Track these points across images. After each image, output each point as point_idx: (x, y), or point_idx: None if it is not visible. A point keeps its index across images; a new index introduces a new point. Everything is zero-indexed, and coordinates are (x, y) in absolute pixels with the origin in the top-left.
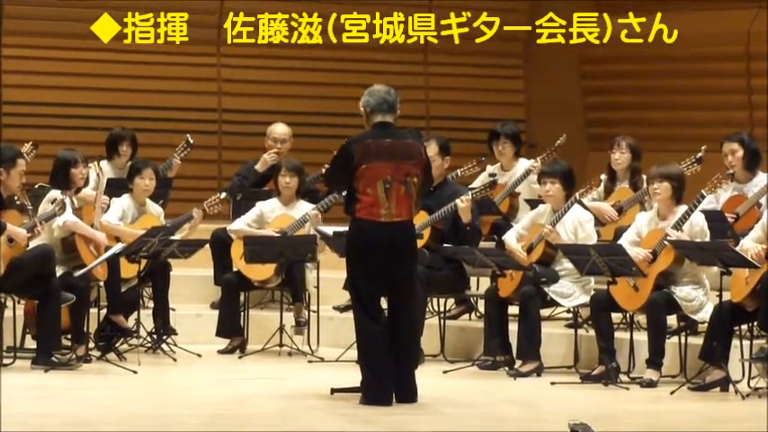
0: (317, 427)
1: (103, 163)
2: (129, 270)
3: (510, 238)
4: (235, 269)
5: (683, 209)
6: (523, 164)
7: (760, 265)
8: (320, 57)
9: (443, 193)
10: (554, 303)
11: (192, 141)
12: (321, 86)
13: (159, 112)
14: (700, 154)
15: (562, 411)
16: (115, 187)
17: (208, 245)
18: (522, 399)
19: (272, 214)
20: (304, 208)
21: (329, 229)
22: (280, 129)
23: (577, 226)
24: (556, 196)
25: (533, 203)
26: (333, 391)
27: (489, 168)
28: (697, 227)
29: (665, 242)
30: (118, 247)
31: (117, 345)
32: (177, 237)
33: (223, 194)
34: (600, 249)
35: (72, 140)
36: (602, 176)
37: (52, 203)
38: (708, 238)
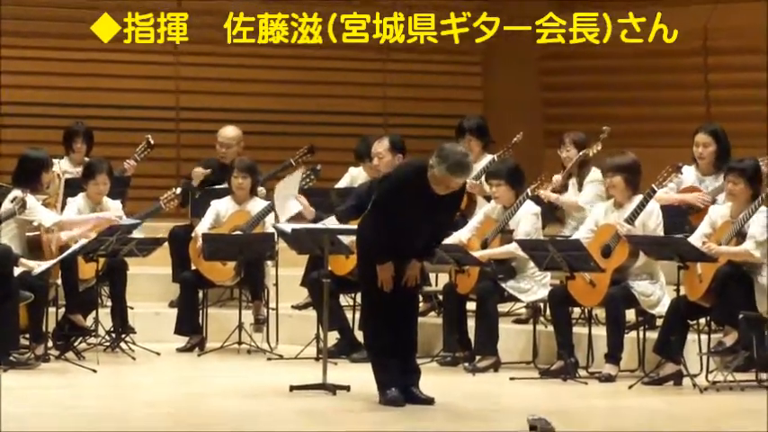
0: (276, 425)
1: (63, 161)
2: (86, 271)
3: (463, 237)
4: (193, 268)
5: (639, 197)
6: (489, 159)
7: (716, 259)
8: (280, 54)
9: None
10: (512, 299)
11: (152, 142)
12: (279, 84)
13: (117, 110)
14: (603, 135)
15: (521, 406)
16: (71, 187)
17: (166, 242)
18: (481, 394)
19: (227, 213)
20: (259, 205)
21: (287, 226)
22: (225, 132)
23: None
24: (503, 197)
25: (490, 199)
26: (292, 388)
27: None
28: (650, 214)
29: (621, 237)
30: (77, 246)
31: (75, 344)
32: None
33: (178, 189)
34: (558, 244)
35: (29, 139)
36: (556, 176)
37: (12, 201)
38: (661, 225)
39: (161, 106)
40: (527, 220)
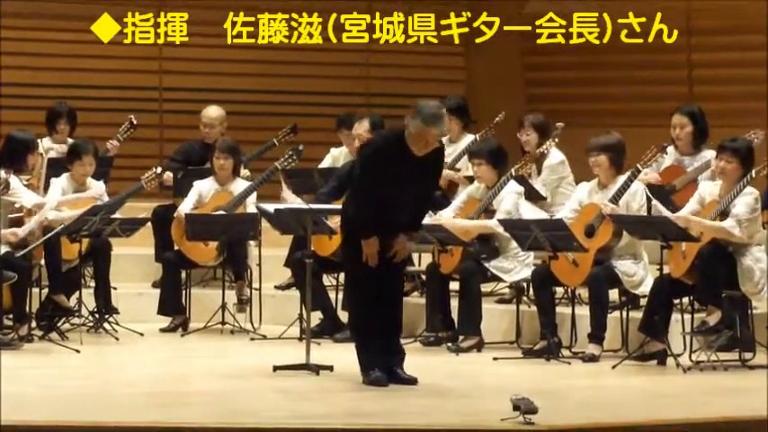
0: (259, 405)
1: (46, 140)
2: (70, 251)
3: (447, 216)
4: (176, 248)
5: (623, 178)
6: (470, 139)
7: (699, 239)
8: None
9: None
10: (495, 278)
11: (135, 122)
12: (262, 64)
13: (100, 90)
14: (557, 131)
15: (504, 386)
16: (55, 167)
17: (149, 223)
18: (465, 374)
19: (209, 193)
20: (241, 186)
21: (270, 207)
22: (208, 112)
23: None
24: (484, 176)
25: (473, 180)
26: (275, 368)
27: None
28: (633, 194)
29: (606, 216)
30: (60, 226)
31: (59, 324)
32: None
33: (159, 169)
34: (541, 224)
35: (13, 120)
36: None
37: None
38: (645, 205)
39: (144, 86)
40: (509, 199)
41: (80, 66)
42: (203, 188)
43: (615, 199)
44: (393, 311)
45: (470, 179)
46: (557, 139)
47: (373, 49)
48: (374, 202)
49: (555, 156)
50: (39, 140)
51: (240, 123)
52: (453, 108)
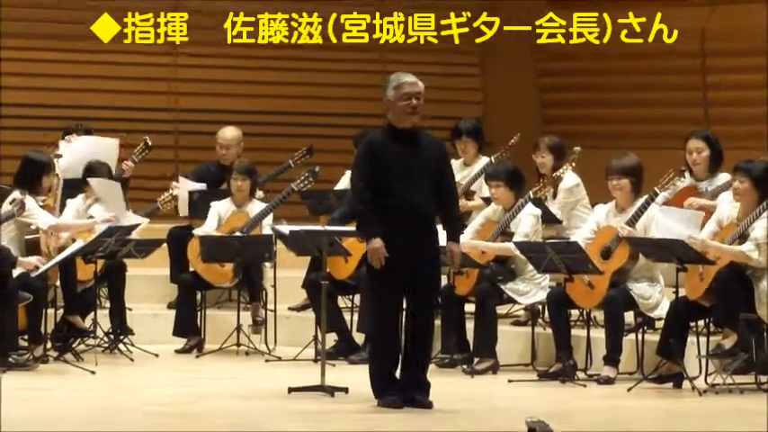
0: (274, 427)
1: (62, 161)
2: (85, 272)
3: (466, 239)
4: (191, 269)
5: (641, 201)
6: (484, 161)
7: (715, 262)
8: (279, 56)
9: None
10: (511, 301)
11: (150, 144)
12: (278, 86)
13: (114, 111)
14: (574, 156)
15: (519, 409)
16: (70, 188)
17: (165, 244)
18: (480, 396)
19: (226, 215)
20: (257, 207)
21: (285, 228)
22: (224, 133)
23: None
24: (501, 198)
25: (490, 202)
26: (290, 390)
27: (453, 163)
28: (652, 219)
29: (622, 238)
30: (75, 247)
31: (74, 345)
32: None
33: (175, 191)
34: (556, 247)
35: (27, 141)
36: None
37: (11, 204)
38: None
39: (159, 108)
40: (526, 222)
41: (96, 87)
42: (221, 209)
43: (632, 222)
44: (421, 346)
45: (486, 201)
46: (574, 164)
47: (390, 70)
48: (373, 195)
49: (570, 178)
50: (55, 161)
51: (256, 144)
52: (470, 130)
